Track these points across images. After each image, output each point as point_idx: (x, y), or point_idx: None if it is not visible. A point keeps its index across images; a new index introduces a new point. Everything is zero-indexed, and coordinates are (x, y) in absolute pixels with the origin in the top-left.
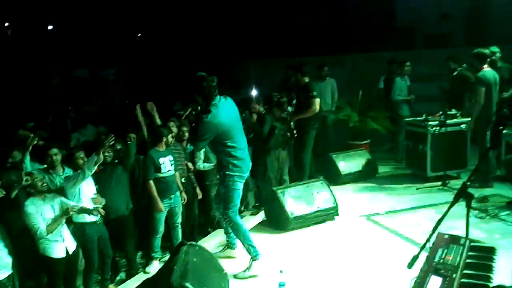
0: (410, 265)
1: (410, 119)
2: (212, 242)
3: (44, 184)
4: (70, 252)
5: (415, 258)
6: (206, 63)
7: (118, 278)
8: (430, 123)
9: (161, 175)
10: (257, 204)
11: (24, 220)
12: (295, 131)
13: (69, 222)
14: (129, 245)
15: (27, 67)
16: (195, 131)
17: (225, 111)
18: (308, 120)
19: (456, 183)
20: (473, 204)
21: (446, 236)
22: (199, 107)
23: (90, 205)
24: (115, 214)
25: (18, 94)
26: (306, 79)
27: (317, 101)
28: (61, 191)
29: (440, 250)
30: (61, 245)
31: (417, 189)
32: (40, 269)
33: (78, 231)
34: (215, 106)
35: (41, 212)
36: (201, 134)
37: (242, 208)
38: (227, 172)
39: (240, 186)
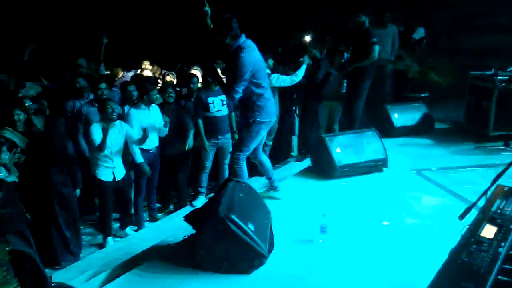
0: (462, 217)
1: (477, 72)
2: (257, 182)
3: (114, 114)
4: (118, 179)
5: (468, 209)
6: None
7: (166, 210)
8: (499, 78)
9: (209, 114)
10: (303, 151)
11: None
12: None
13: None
14: (181, 178)
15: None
16: (231, 72)
17: (255, 49)
18: (364, 68)
19: None
20: None
21: (505, 189)
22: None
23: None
24: (174, 150)
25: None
26: (366, 25)
27: (377, 48)
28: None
29: (498, 201)
30: (109, 170)
31: (476, 147)
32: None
33: (130, 156)
34: (245, 43)
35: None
36: (241, 72)
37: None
38: (257, 119)
39: (263, 133)
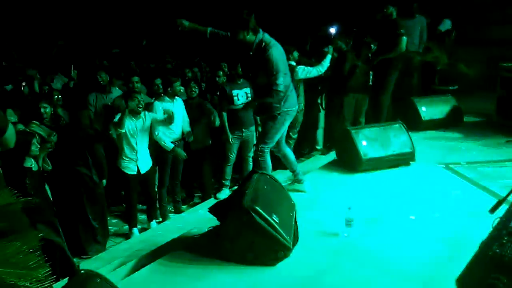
0: (492, 210)
1: (508, 63)
2: (281, 175)
3: (140, 106)
4: (142, 172)
5: (499, 203)
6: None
7: (190, 202)
8: None
9: (234, 107)
10: (328, 144)
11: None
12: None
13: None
14: (205, 171)
15: None
16: (267, 70)
17: (276, 41)
18: (391, 60)
19: None
20: None
21: None
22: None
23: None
24: (198, 143)
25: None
26: (394, 15)
27: (405, 40)
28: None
29: None
30: (134, 163)
31: (507, 141)
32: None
33: (155, 148)
34: (266, 37)
35: (129, 130)
36: (277, 67)
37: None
38: (283, 110)
39: (287, 124)
